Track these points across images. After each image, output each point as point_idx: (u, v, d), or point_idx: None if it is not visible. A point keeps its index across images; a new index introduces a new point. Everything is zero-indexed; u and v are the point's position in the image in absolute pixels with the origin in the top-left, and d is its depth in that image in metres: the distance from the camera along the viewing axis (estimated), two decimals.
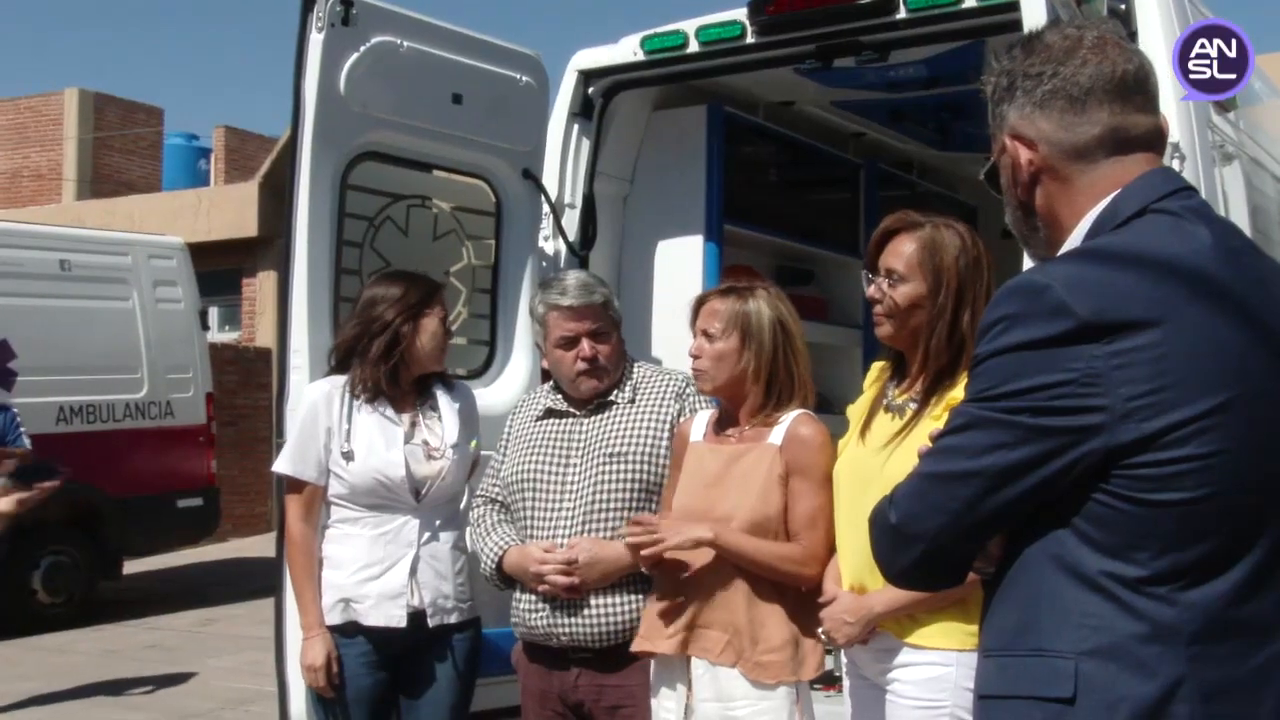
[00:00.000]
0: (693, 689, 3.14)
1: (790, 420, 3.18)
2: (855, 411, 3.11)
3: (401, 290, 3.71)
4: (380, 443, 3.62)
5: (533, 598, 3.51)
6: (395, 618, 3.61)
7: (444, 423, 3.76)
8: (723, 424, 3.31)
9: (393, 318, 3.66)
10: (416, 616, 3.63)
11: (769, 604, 3.09)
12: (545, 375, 4.10)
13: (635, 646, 3.25)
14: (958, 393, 2.72)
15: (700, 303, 3.32)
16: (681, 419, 3.52)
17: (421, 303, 3.70)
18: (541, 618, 3.49)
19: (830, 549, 3.07)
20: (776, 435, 3.17)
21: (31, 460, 3.26)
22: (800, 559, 3.09)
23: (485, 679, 3.95)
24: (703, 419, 3.38)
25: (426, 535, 3.67)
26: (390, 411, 3.70)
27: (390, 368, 3.67)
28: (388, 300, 3.69)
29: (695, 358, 3.27)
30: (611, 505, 3.46)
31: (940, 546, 1.74)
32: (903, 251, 2.94)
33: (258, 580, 10.53)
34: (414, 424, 3.74)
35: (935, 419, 2.72)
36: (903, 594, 2.77)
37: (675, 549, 3.08)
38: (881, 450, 2.88)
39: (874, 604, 2.87)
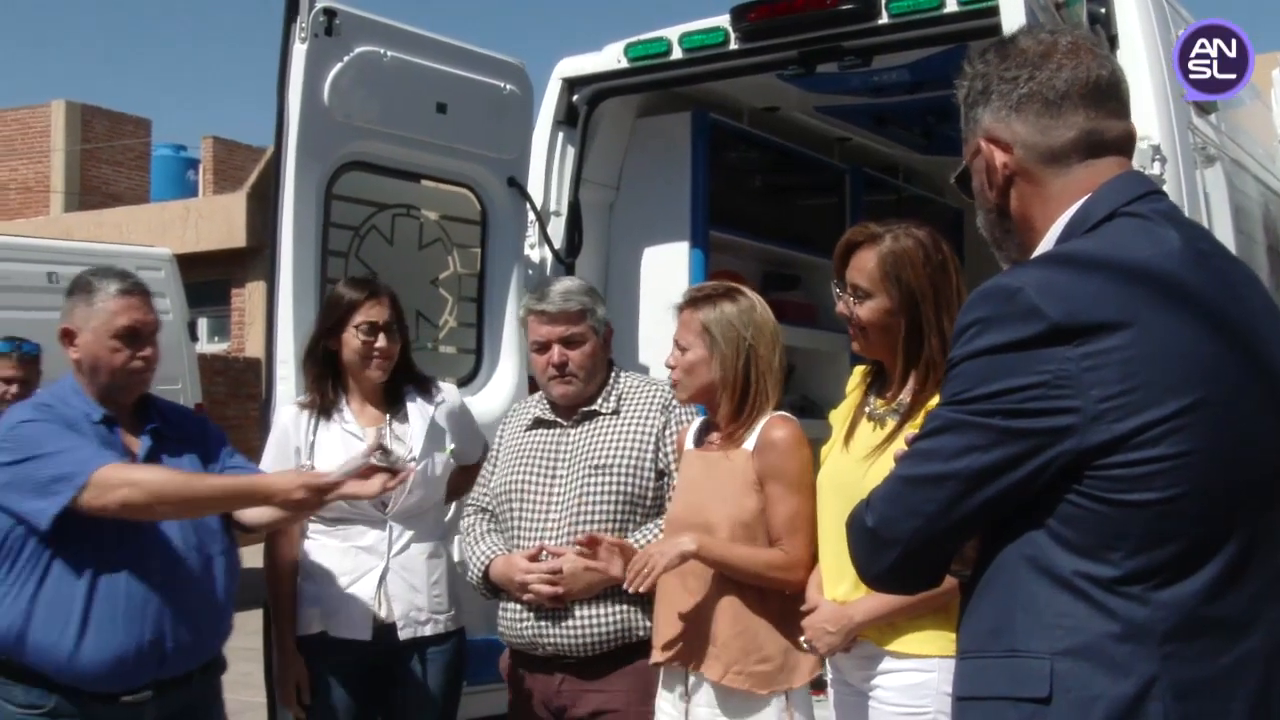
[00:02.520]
0: (690, 695, 3.16)
1: (764, 424, 3.17)
2: (838, 418, 3.12)
3: (329, 305, 3.72)
4: (341, 457, 3.56)
5: (518, 607, 3.51)
6: (362, 629, 3.59)
7: (412, 432, 3.74)
8: (709, 430, 3.32)
9: (318, 334, 3.69)
10: (387, 629, 3.60)
11: (757, 615, 3.10)
12: (534, 383, 4.11)
13: (653, 660, 3.24)
14: (936, 401, 2.72)
15: (678, 312, 3.33)
16: (667, 431, 3.54)
17: (339, 319, 3.66)
18: (527, 627, 3.50)
19: (813, 551, 3.08)
20: (750, 440, 3.17)
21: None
22: (784, 564, 3.09)
23: (477, 687, 3.95)
24: (694, 427, 3.39)
25: (397, 547, 3.64)
26: (353, 425, 3.69)
27: (329, 383, 3.69)
28: (320, 316, 3.71)
29: (671, 368, 3.29)
30: (596, 516, 3.47)
31: (917, 549, 1.76)
32: (865, 267, 2.93)
33: (249, 591, 10.41)
34: (379, 436, 3.71)
35: (915, 426, 2.72)
36: (883, 602, 2.78)
37: (665, 570, 3.06)
38: (864, 460, 2.87)
39: (854, 613, 2.87)
